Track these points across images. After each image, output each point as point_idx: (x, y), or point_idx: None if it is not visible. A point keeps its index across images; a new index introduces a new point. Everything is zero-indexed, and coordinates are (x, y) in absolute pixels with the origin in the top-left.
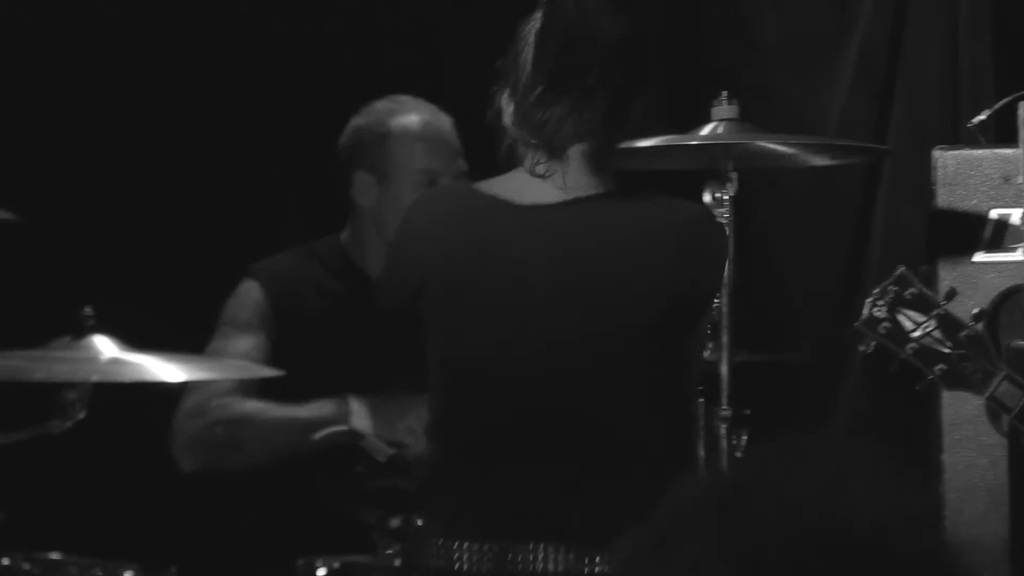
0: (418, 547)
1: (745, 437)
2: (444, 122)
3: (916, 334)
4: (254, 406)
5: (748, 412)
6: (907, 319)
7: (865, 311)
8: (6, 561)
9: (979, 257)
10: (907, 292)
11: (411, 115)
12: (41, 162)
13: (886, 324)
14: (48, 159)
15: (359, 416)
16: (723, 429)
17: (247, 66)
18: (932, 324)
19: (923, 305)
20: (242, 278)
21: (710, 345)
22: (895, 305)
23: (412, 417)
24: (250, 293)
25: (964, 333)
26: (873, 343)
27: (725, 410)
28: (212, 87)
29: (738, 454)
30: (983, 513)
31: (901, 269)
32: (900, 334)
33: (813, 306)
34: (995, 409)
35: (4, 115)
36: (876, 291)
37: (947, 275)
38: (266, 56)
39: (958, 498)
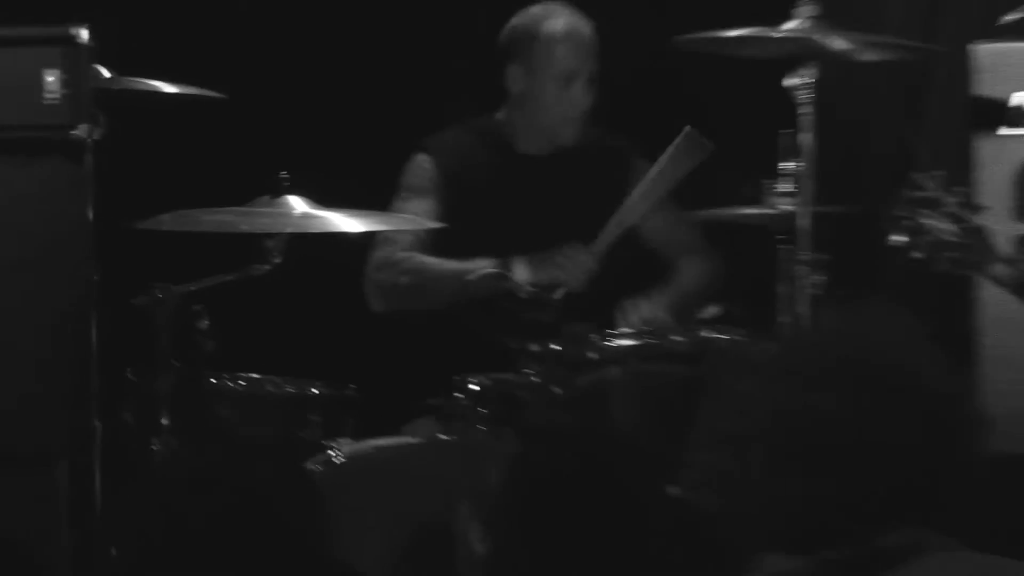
0: None
1: (823, 278)
2: (584, 28)
3: (931, 226)
4: (432, 260)
5: (825, 257)
6: (925, 217)
7: (895, 211)
8: (214, 380)
9: (1003, 131)
10: (923, 193)
11: (557, 20)
12: (250, 48)
13: (907, 221)
14: (256, 47)
15: (519, 268)
16: (801, 271)
17: None
18: (944, 219)
19: (933, 203)
20: (415, 151)
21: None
22: (915, 204)
23: (562, 257)
24: (422, 164)
25: (966, 225)
26: (903, 235)
27: (804, 255)
28: None
29: (812, 291)
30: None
31: (917, 176)
32: (918, 228)
33: (878, 168)
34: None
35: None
36: (905, 196)
37: (983, 145)
38: None
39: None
